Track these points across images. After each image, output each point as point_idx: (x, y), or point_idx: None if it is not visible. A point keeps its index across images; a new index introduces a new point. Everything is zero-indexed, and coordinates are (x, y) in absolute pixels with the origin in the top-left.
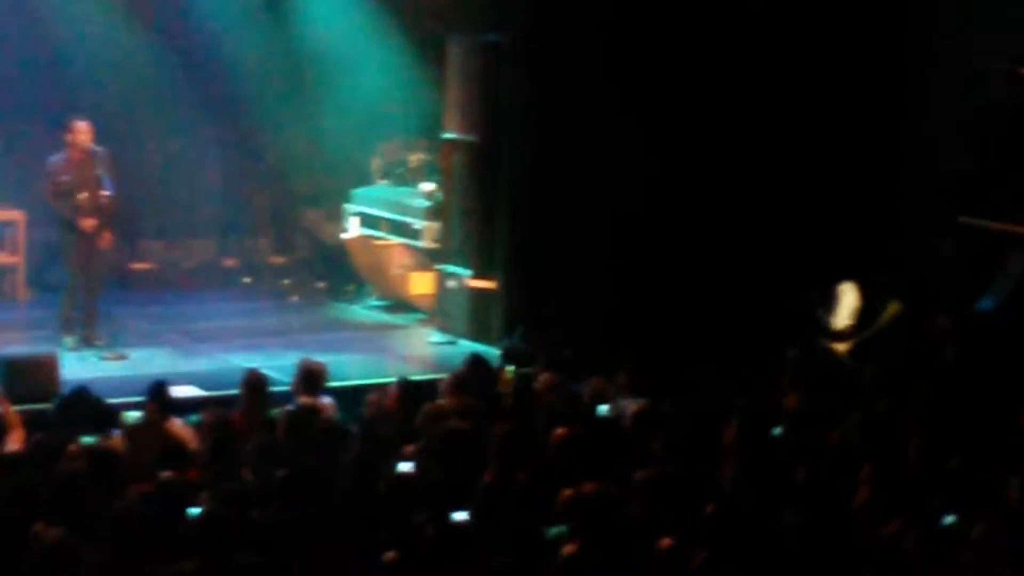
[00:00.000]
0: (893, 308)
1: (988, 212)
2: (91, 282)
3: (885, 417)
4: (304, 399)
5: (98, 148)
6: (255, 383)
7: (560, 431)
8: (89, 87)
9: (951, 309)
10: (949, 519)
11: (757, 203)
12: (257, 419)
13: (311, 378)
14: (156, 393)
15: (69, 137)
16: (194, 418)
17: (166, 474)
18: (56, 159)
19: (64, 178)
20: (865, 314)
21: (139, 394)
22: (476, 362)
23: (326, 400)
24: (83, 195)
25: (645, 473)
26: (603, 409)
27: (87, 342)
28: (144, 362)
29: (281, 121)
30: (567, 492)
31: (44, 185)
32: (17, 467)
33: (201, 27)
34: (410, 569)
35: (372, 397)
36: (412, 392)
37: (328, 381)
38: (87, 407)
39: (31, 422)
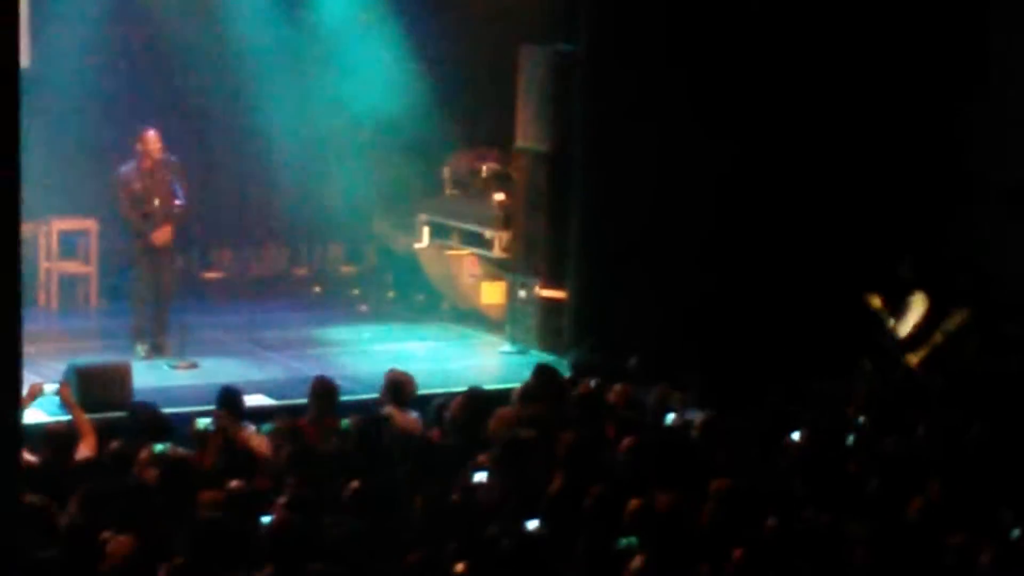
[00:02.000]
0: (960, 315)
1: None
2: (161, 292)
3: (954, 429)
4: (390, 410)
5: (170, 157)
6: (323, 390)
7: (628, 441)
8: (161, 94)
9: (1020, 317)
10: (1016, 532)
11: (829, 211)
12: (327, 427)
13: (398, 389)
14: (228, 401)
15: (139, 146)
16: (266, 427)
17: (235, 483)
18: (127, 168)
19: (135, 187)
20: (934, 323)
21: (209, 403)
22: (544, 372)
23: (413, 414)
24: (154, 204)
25: (717, 484)
26: (670, 419)
27: (158, 351)
28: (214, 371)
29: (353, 129)
30: (636, 502)
31: (116, 194)
32: (90, 475)
33: (272, 32)
34: None
35: (443, 407)
36: (482, 402)
37: (415, 390)
38: (152, 417)
39: (103, 431)
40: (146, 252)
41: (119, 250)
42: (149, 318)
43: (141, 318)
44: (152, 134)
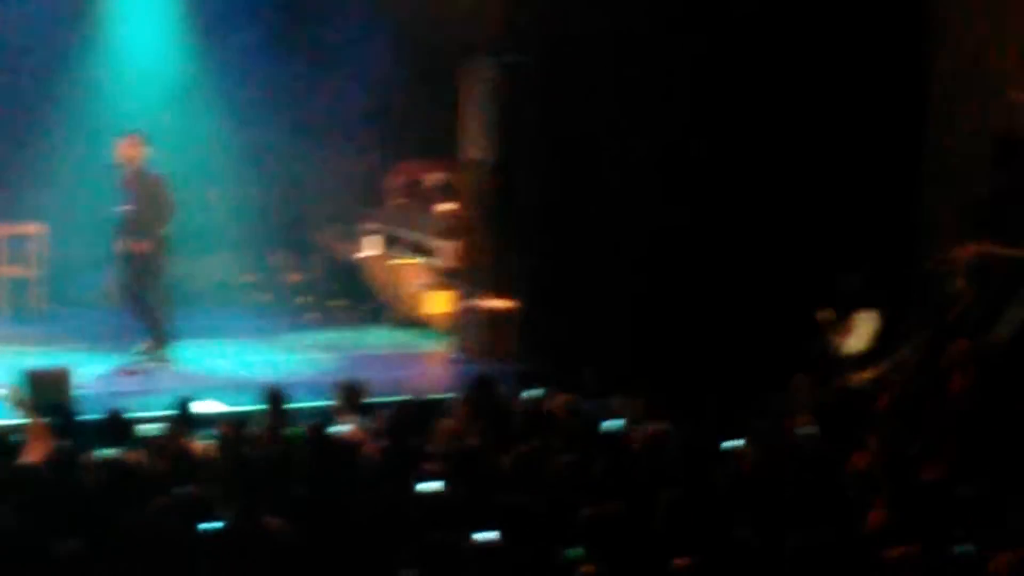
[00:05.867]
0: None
1: (1003, 238)
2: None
3: (900, 444)
4: (345, 416)
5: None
6: (276, 397)
7: (574, 451)
8: (113, 101)
9: (967, 336)
10: (964, 548)
11: (773, 226)
12: (277, 434)
13: (352, 395)
14: (180, 408)
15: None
16: (209, 432)
17: (182, 489)
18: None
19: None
20: (884, 342)
21: (156, 408)
22: (483, 383)
23: (360, 421)
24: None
25: (665, 494)
26: (611, 425)
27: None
28: (160, 376)
29: (297, 137)
30: (585, 512)
31: None
32: (34, 479)
33: (224, 43)
34: None
35: (387, 415)
36: (424, 411)
37: (365, 396)
38: (104, 420)
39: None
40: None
41: (66, 255)
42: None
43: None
44: (122, 140)
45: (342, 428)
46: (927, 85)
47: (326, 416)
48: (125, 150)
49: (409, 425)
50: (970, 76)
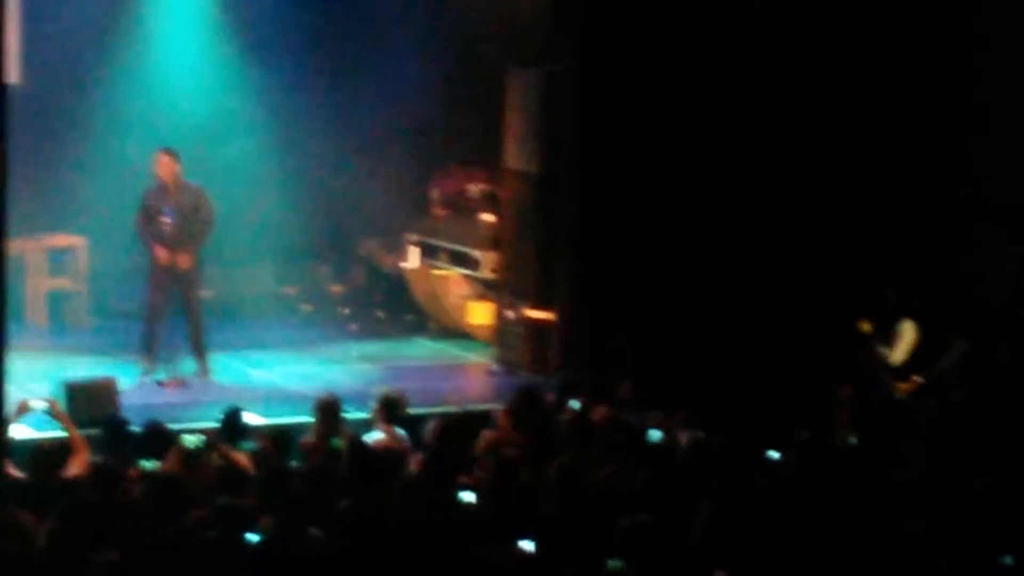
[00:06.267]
0: (959, 347)
1: None
2: (187, 311)
3: (945, 455)
4: (383, 427)
5: (188, 181)
6: (329, 407)
7: (614, 462)
8: (154, 115)
9: (1011, 342)
10: (1008, 559)
11: (813, 235)
12: (326, 444)
13: (391, 406)
14: (229, 419)
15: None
16: (248, 444)
17: (223, 499)
18: (145, 189)
19: (150, 205)
20: (926, 352)
21: (197, 421)
22: (527, 394)
23: (401, 433)
24: (163, 223)
25: (706, 505)
26: (656, 436)
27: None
28: (203, 389)
29: (340, 148)
30: (624, 523)
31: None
32: (77, 491)
33: (267, 55)
34: None
35: (428, 427)
36: (467, 422)
37: (406, 408)
38: (146, 432)
39: (92, 447)
40: (157, 270)
41: (109, 267)
42: (155, 336)
43: (147, 335)
44: (162, 156)
45: (381, 439)
46: (962, 88)
47: (367, 427)
48: (167, 164)
49: (452, 437)
50: (1006, 78)
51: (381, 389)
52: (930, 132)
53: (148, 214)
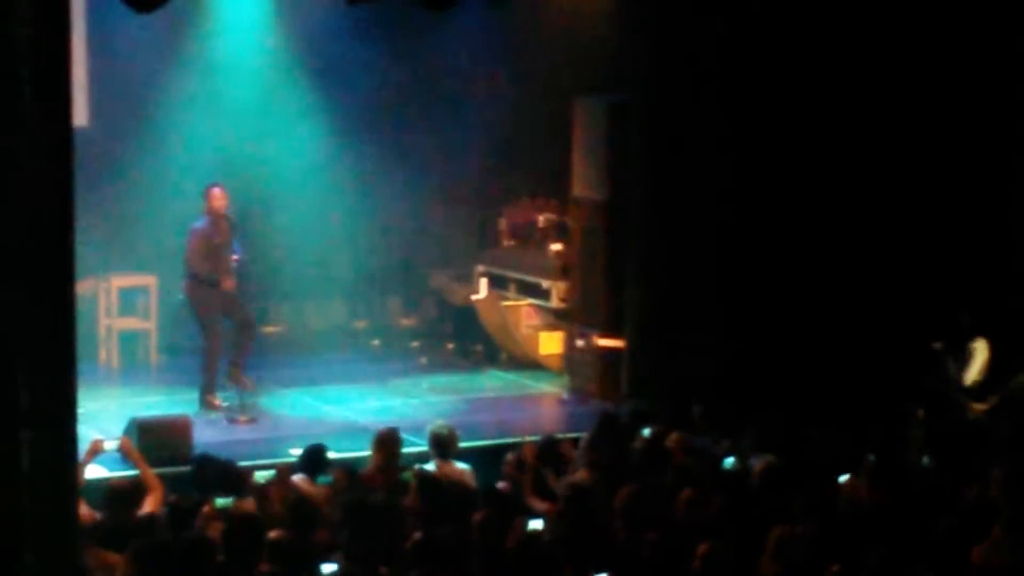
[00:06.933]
0: None
1: None
2: (240, 335)
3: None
4: (439, 464)
5: (228, 212)
6: (388, 441)
7: (690, 489)
8: (217, 148)
9: None
10: None
11: (884, 257)
12: (390, 478)
13: (440, 444)
14: (313, 455)
15: (210, 202)
16: (322, 479)
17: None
18: (201, 223)
19: (214, 240)
20: (998, 371)
21: (268, 457)
22: (606, 422)
23: (462, 466)
24: (223, 257)
25: (779, 531)
26: (729, 462)
27: (237, 389)
28: (274, 425)
29: (409, 181)
30: (701, 550)
31: (191, 248)
32: (153, 529)
33: (336, 86)
34: None
35: (507, 458)
36: (545, 452)
37: (458, 444)
38: (217, 470)
39: (167, 485)
40: (216, 304)
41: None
42: (221, 371)
43: (213, 372)
44: (218, 190)
45: (456, 470)
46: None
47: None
48: (222, 198)
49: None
50: None
51: (431, 427)
52: (1005, 146)
53: (211, 249)
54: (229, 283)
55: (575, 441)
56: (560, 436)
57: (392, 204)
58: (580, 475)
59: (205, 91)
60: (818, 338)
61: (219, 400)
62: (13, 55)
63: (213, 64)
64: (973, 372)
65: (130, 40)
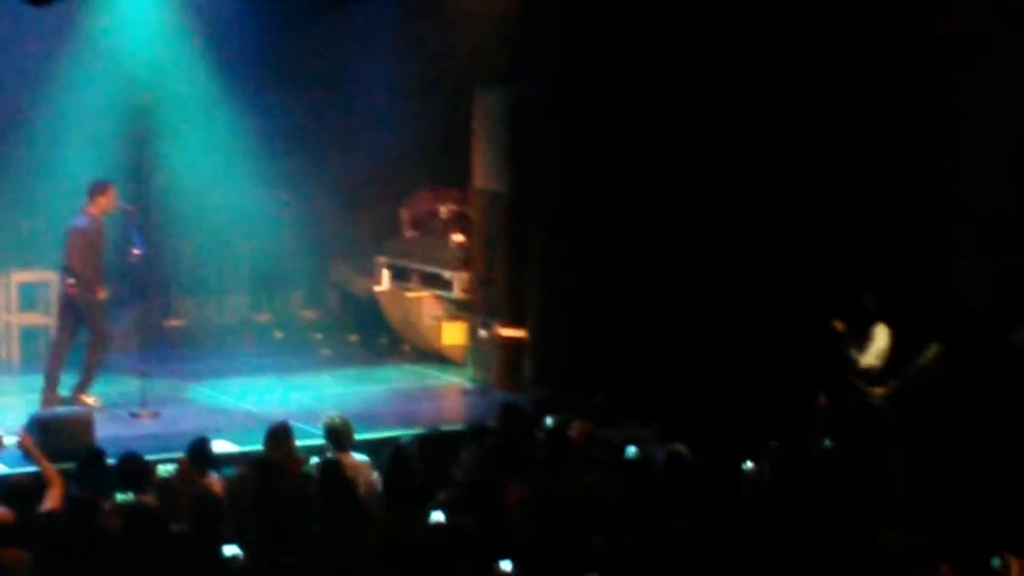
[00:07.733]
0: (934, 350)
1: None
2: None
3: (925, 458)
4: (337, 455)
5: (125, 204)
6: (279, 435)
7: (592, 478)
8: (121, 146)
9: (989, 346)
10: (996, 561)
11: (786, 244)
12: (293, 470)
13: (334, 435)
14: (197, 449)
15: (100, 200)
16: (228, 471)
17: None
18: (82, 223)
19: (95, 241)
20: (900, 356)
21: (171, 451)
22: (508, 411)
23: (360, 457)
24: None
25: (682, 520)
26: (632, 452)
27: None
28: (176, 419)
29: (309, 174)
30: (601, 539)
31: (74, 247)
32: (53, 524)
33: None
34: None
35: (405, 448)
36: (443, 442)
37: (353, 435)
38: (121, 464)
39: (67, 480)
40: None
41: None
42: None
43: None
44: (113, 189)
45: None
46: (945, 95)
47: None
48: (115, 196)
49: (431, 456)
50: (988, 85)
51: (325, 419)
52: (911, 140)
53: (92, 252)
54: (102, 293)
55: (475, 431)
56: (458, 427)
57: (293, 196)
58: (485, 466)
59: (103, 86)
60: (721, 325)
61: (92, 399)
62: None
63: (110, 59)
64: (870, 356)
65: (23, 34)
